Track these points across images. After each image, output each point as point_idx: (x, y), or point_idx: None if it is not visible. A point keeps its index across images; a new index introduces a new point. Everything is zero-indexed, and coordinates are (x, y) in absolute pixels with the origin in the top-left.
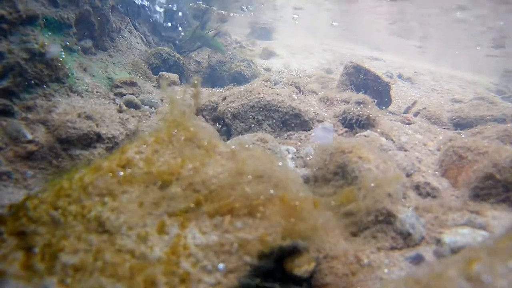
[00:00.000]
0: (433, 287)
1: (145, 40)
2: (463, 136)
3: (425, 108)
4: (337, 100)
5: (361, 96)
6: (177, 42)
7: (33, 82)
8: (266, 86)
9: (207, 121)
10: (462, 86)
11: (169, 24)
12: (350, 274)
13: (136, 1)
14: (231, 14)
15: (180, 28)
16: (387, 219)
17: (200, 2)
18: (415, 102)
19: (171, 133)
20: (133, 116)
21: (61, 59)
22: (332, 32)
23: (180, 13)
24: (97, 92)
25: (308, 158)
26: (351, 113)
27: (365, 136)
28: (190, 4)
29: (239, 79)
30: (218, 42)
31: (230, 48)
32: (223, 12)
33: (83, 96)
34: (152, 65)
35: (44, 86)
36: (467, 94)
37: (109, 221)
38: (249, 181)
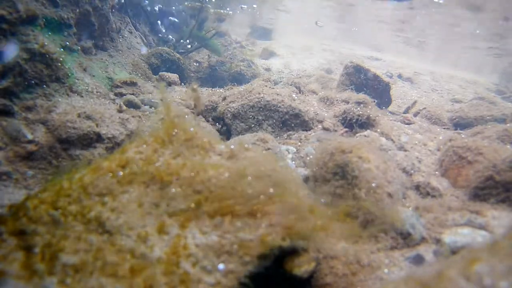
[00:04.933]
0: (433, 287)
1: (145, 40)
2: (463, 136)
3: (425, 108)
4: (337, 100)
5: (361, 96)
6: (172, 44)
7: (33, 82)
8: (266, 86)
9: (207, 121)
10: (462, 86)
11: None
12: (350, 274)
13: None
14: (230, 13)
15: (170, 37)
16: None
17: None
18: (415, 102)
19: (171, 133)
20: (133, 116)
21: (61, 59)
22: (332, 32)
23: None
24: (97, 92)
25: (308, 158)
26: (351, 113)
27: (365, 136)
28: (186, 3)
29: (239, 79)
30: (215, 43)
31: (230, 48)
32: (220, 11)
33: (83, 96)
34: (152, 65)
35: (44, 86)
36: (467, 94)
37: (109, 221)
38: (249, 182)
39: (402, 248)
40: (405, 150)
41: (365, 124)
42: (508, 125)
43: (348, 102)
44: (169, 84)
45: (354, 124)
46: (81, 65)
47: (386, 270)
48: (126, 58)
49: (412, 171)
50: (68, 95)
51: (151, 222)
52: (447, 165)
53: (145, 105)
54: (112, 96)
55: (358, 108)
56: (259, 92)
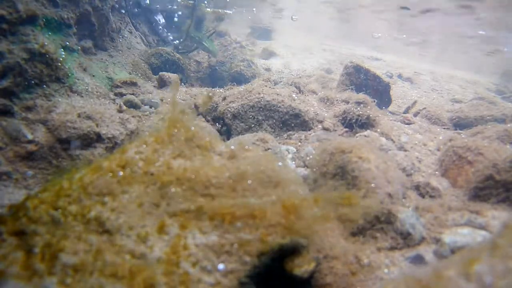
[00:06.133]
0: (433, 287)
1: (145, 40)
2: (463, 136)
3: (425, 108)
4: (337, 100)
5: (361, 96)
6: (174, 42)
7: (33, 82)
8: (266, 86)
9: (207, 121)
10: (462, 86)
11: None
12: (350, 274)
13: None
14: (227, 12)
15: (171, 37)
16: (387, 219)
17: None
18: (415, 102)
19: (171, 133)
20: (133, 116)
21: (61, 59)
22: (332, 32)
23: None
24: (97, 92)
25: (308, 158)
26: (351, 113)
27: (365, 136)
28: (179, 0)
29: (239, 79)
30: (211, 44)
31: (230, 48)
32: (219, 10)
33: (83, 96)
34: (152, 65)
35: (44, 86)
36: (467, 94)
37: (109, 221)
38: (249, 183)
39: (402, 248)
40: (405, 150)
41: (365, 124)
42: (508, 125)
43: (348, 102)
44: (170, 84)
45: (354, 124)
46: (81, 65)
47: (386, 270)
48: (126, 58)
49: (412, 171)
50: (68, 95)
51: (151, 222)
52: (447, 165)
53: (145, 105)
54: (112, 96)
55: (358, 108)
56: (259, 92)
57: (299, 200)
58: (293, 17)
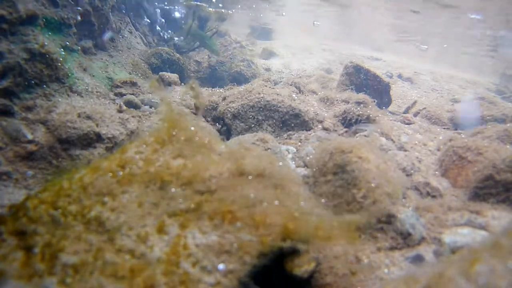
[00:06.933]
0: (433, 287)
1: (145, 40)
2: (463, 136)
3: (425, 108)
4: (337, 100)
5: (361, 96)
6: (175, 42)
7: (33, 82)
8: (266, 86)
9: (207, 121)
10: (462, 86)
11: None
12: (350, 274)
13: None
14: (230, 12)
15: (170, 31)
16: (387, 219)
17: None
18: (415, 102)
19: (171, 133)
20: (133, 116)
21: (61, 59)
22: (332, 32)
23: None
24: (97, 92)
25: (308, 158)
26: (351, 113)
27: (365, 136)
28: (181, 1)
29: (239, 79)
30: (214, 43)
31: (230, 48)
32: (222, 10)
33: (83, 96)
34: (152, 65)
35: (44, 86)
36: (467, 94)
37: (109, 221)
38: (249, 182)
39: (402, 248)
40: (405, 150)
41: (365, 124)
42: (508, 125)
43: (348, 102)
44: (169, 84)
45: (354, 124)
46: (81, 65)
47: (386, 270)
48: (126, 58)
49: (412, 171)
50: (68, 95)
51: (151, 222)
52: (447, 165)
53: (145, 105)
54: (112, 96)
55: (358, 108)
56: (259, 92)
57: (300, 223)
58: (315, 22)
